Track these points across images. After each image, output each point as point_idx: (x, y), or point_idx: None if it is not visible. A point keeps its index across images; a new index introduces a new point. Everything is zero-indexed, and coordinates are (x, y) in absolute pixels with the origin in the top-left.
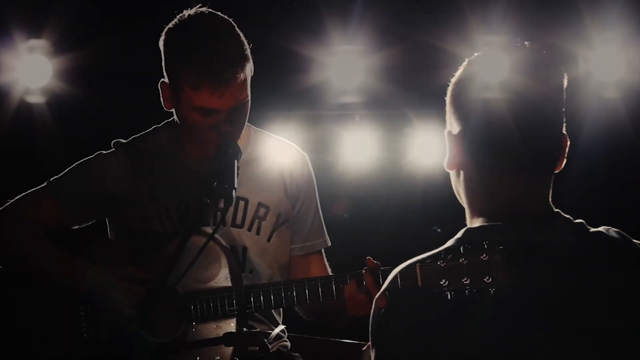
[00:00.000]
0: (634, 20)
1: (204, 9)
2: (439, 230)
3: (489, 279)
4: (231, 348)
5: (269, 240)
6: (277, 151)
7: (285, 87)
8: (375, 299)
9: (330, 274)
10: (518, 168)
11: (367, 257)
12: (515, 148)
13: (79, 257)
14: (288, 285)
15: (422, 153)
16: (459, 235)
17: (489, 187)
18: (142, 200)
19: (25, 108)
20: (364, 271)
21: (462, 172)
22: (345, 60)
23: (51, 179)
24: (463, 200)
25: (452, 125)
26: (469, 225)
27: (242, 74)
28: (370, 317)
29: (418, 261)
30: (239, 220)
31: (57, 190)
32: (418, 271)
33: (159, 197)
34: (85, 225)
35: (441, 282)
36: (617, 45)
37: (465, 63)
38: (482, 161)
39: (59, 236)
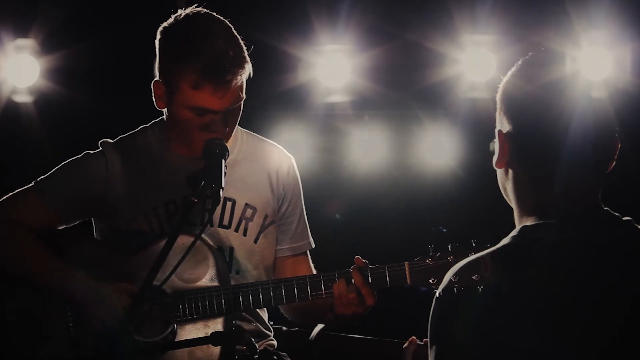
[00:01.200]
0: (620, 20)
1: (199, 8)
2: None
3: (477, 276)
4: (219, 347)
5: (255, 241)
6: (264, 152)
7: (272, 87)
8: (435, 297)
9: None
10: (568, 168)
11: (356, 257)
12: (564, 148)
13: (67, 260)
14: (276, 285)
15: (418, 152)
16: (514, 233)
17: (539, 186)
18: (130, 199)
19: (12, 107)
20: (352, 270)
21: (510, 171)
22: (332, 60)
23: (38, 179)
24: (511, 198)
25: (503, 123)
26: (518, 224)
27: (242, 75)
28: (430, 315)
29: (471, 260)
30: (226, 221)
31: (44, 190)
32: (407, 269)
33: (147, 196)
34: (72, 224)
35: (430, 280)
36: (604, 44)
37: (518, 62)
38: (532, 161)
39: (46, 235)
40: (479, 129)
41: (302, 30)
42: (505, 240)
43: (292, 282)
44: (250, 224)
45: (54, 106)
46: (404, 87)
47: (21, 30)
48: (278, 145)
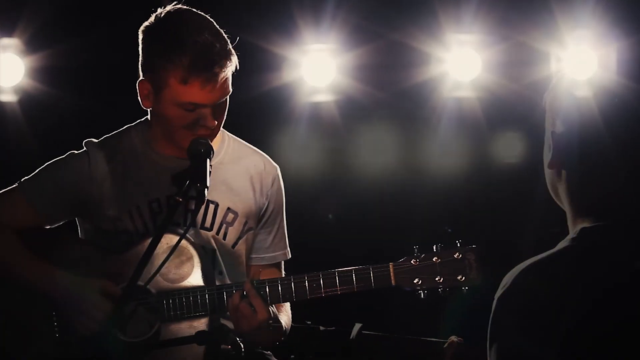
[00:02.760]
0: (605, 19)
1: (180, 5)
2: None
3: (462, 277)
4: (203, 347)
5: (233, 246)
6: (250, 159)
7: (257, 86)
8: (496, 298)
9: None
10: (620, 168)
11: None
12: (614, 148)
13: (50, 260)
14: (261, 285)
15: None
16: (573, 235)
17: (593, 187)
18: (114, 199)
19: None
20: (245, 281)
21: (563, 172)
22: (317, 59)
23: (22, 180)
24: (563, 199)
25: (555, 125)
26: (572, 226)
27: (229, 68)
28: (491, 315)
29: (533, 262)
30: (208, 223)
31: (28, 191)
32: (391, 270)
33: (131, 196)
34: (56, 225)
35: (414, 281)
36: (589, 43)
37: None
38: (586, 161)
39: (31, 236)
40: (463, 129)
41: (287, 29)
42: (564, 243)
43: (276, 282)
44: (230, 228)
45: (39, 106)
46: (389, 86)
47: (6, 29)
48: (264, 154)
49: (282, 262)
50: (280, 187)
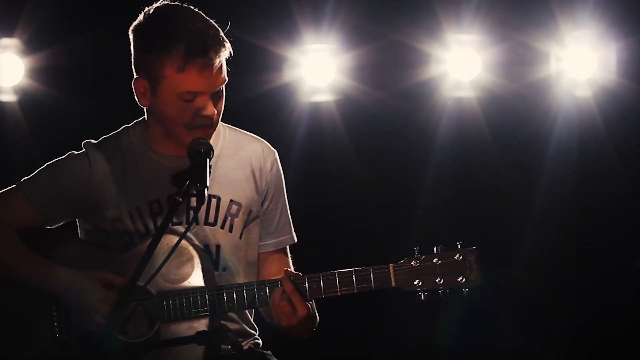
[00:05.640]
0: (605, 19)
1: (167, 2)
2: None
3: (462, 279)
4: (203, 347)
5: (240, 237)
6: (247, 147)
7: (257, 85)
8: None
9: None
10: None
11: (285, 268)
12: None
13: (51, 258)
14: (261, 286)
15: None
16: None
17: None
18: (114, 199)
19: None
20: (282, 278)
21: None
22: (317, 59)
23: (22, 180)
24: None
25: None
26: None
27: (224, 54)
28: None
29: None
30: (211, 218)
31: (28, 191)
32: (391, 272)
33: (131, 196)
34: (56, 225)
35: (415, 283)
36: (589, 44)
37: None
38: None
39: (31, 236)
40: (463, 129)
41: (287, 29)
42: None
43: (276, 284)
44: (235, 220)
45: (39, 106)
46: (389, 86)
47: (6, 29)
48: (261, 139)
49: (288, 247)
50: (279, 171)
